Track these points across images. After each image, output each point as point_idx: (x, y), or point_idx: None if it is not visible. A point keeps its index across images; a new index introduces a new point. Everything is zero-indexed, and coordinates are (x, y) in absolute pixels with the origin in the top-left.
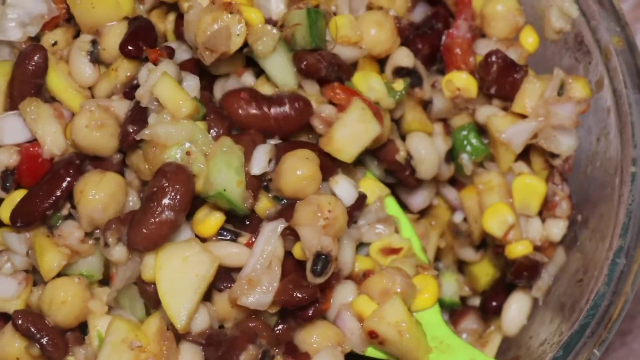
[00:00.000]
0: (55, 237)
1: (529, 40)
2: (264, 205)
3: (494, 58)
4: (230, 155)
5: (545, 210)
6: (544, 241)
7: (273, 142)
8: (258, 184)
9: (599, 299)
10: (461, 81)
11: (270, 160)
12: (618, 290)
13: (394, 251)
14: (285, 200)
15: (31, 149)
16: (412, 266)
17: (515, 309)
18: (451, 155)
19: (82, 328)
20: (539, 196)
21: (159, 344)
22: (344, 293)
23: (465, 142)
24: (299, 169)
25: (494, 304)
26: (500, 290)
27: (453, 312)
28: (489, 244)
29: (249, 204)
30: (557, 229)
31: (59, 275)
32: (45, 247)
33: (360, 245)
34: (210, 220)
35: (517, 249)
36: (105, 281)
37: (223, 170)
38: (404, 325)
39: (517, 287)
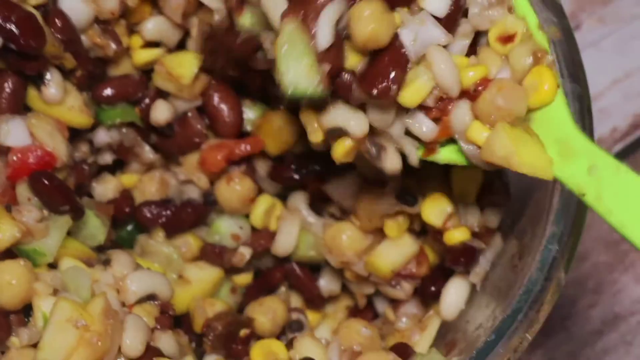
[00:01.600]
0: (13, 211)
1: None
2: (353, 62)
3: None
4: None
5: (483, 197)
6: (481, 227)
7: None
8: (336, 52)
9: (531, 284)
10: None
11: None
12: (550, 276)
13: (510, 39)
14: None
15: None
16: (529, 53)
17: (454, 294)
18: None
19: (25, 312)
20: (476, 184)
21: (104, 323)
22: (460, 119)
23: None
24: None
25: (433, 289)
26: (439, 276)
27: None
28: (428, 230)
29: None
30: (494, 215)
31: (10, 255)
32: (2, 218)
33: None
34: None
35: (455, 236)
36: (52, 265)
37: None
38: (514, 158)
39: (455, 272)
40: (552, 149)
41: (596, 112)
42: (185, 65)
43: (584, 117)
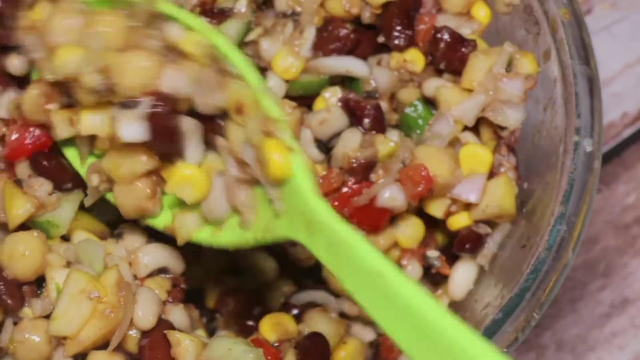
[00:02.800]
0: (24, 186)
1: (481, 13)
2: None
3: (442, 34)
4: None
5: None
6: None
7: None
8: None
9: (539, 264)
10: (408, 54)
11: None
12: (558, 256)
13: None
14: None
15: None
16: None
17: (462, 274)
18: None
19: (38, 283)
20: (485, 166)
21: (117, 295)
22: None
23: (415, 116)
24: None
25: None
26: (447, 256)
27: None
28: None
29: None
30: None
31: (23, 228)
32: (15, 194)
33: None
34: None
35: (459, 221)
36: (65, 237)
37: None
38: None
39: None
40: (300, 221)
41: (607, 97)
42: None
43: (593, 100)
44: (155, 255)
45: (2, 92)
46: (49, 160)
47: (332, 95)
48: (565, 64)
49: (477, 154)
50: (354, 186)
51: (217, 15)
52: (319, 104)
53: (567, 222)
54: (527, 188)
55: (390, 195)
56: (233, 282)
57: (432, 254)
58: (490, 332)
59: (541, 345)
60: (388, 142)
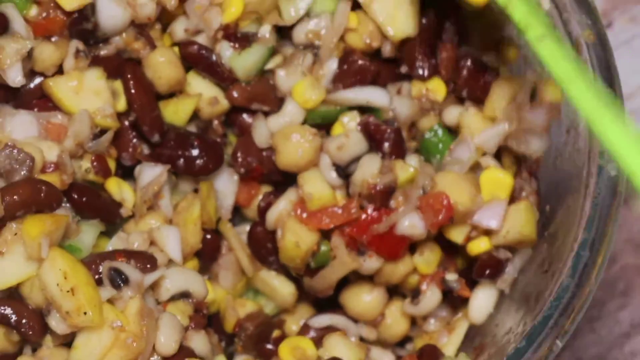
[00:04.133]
0: None
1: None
2: None
3: (464, 62)
4: None
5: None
6: None
7: None
8: None
9: (563, 291)
10: (430, 83)
11: None
12: (582, 283)
13: None
14: None
15: None
16: None
17: (482, 299)
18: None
19: None
20: (505, 191)
21: (139, 324)
22: None
23: (436, 141)
24: None
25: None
26: (467, 278)
27: None
28: None
29: None
30: None
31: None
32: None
33: None
34: None
35: (479, 246)
36: None
37: None
38: None
39: None
40: None
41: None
42: None
43: None
44: (178, 280)
45: None
46: (80, 195)
47: (350, 120)
48: None
49: (498, 178)
50: (373, 213)
51: (240, 39)
52: (337, 128)
53: (591, 248)
54: (548, 211)
55: (410, 224)
56: (252, 306)
57: (451, 276)
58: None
59: None
60: (408, 168)
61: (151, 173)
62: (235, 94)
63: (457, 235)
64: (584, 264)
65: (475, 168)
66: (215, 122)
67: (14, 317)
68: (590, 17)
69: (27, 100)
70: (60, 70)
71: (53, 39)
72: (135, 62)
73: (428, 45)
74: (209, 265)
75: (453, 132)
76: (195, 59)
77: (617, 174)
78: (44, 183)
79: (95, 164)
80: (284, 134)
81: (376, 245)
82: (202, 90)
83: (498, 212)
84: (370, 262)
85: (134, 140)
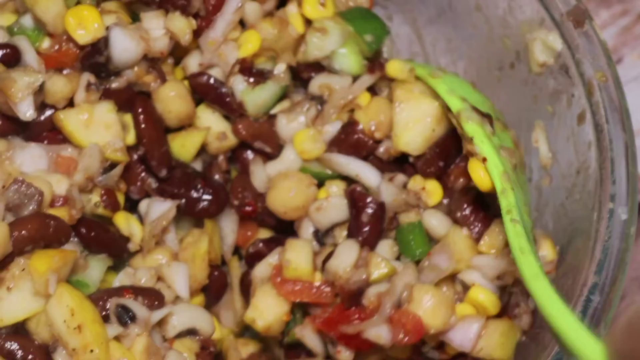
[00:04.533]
0: None
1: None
2: None
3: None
4: None
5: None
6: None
7: None
8: None
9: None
10: (429, 183)
11: None
12: (592, 327)
13: None
14: None
15: None
16: None
17: None
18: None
19: None
20: (487, 311)
21: None
22: None
23: (411, 239)
24: None
25: None
26: None
27: None
28: None
29: None
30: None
31: None
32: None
33: None
34: None
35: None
36: None
37: None
38: None
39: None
40: None
41: (637, 148)
42: None
43: (629, 166)
44: (184, 316)
45: None
46: (89, 230)
47: (337, 189)
48: (600, 128)
49: (482, 301)
50: (342, 313)
51: (255, 75)
52: (321, 193)
53: (601, 292)
54: (558, 252)
55: (377, 334)
56: (254, 346)
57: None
58: None
59: None
60: (382, 268)
61: (160, 208)
62: (241, 128)
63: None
64: (594, 309)
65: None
66: (221, 158)
67: (20, 353)
68: (603, 59)
69: (37, 133)
70: (71, 103)
71: (64, 72)
72: (145, 96)
73: (443, 148)
74: (214, 302)
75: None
76: (205, 90)
77: (627, 217)
78: (53, 218)
79: (104, 198)
80: (283, 175)
81: (345, 340)
82: (212, 124)
83: (471, 334)
84: (342, 355)
85: (143, 174)
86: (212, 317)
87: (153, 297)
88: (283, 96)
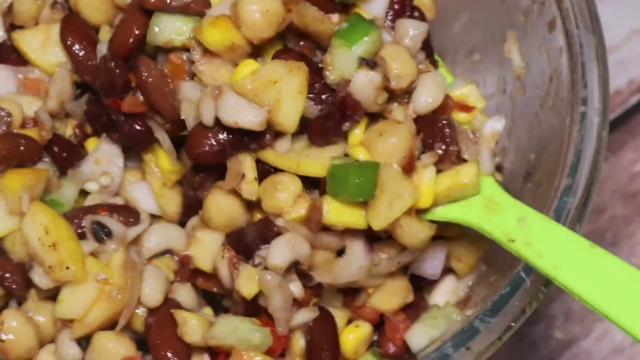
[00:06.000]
0: None
1: None
2: None
3: None
4: None
5: None
6: None
7: None
8: None
9: None
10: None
11: None
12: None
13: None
14: None
15: None
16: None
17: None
18: None
19: None
20: None
21: (124, 276)
22: None
23: None
24: None
25: None
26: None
27: None
28: None
29: None
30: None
31: None
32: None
33: None
34: None
35: None
36: None
37: None
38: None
39: None
40: (479, 203)
41: (614, 64)
42: None
43: (599, 70)
44: (160, 235)
45: None
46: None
47: None
48: (571, 34)
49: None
50: None
51: None
52: None
53: (574, 194)
54: (533, 159)
55: None
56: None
57: None
58: (498, 306)
59: (550, 316)
60: None
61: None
62: None
63: None
64: (567, 210)
65: None
66: None
67: None
68: None
69: (4, 56)
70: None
71: None
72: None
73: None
74: None
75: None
76: None
77: (599, 120)
78: (24, 137)
79: (77, 131)
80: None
81: None
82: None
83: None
84: None
85: None
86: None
87: (128, 214)
88: None
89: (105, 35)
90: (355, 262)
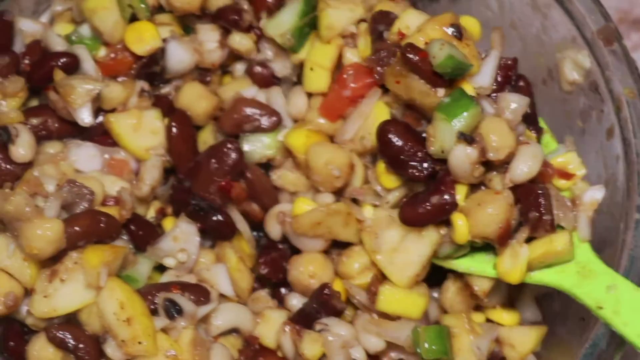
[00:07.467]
0: None
1: None
2: None
3: None
4: None
5: None
6: None
7: None
8: None
9: (598, 339)
10: None
11: None
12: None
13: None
14: None
15: None
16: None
17: None
18: None
19: None
20: None
21: (192, 353)
22: None
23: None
24: None
25: None
26: None
27: None
28: None
29: None
30: None
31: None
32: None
33: None
34: None
35: None
36: None
37: None
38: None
39: None
40: (572, 268)
41: None
42: None
43: None
44: (228, 315)
45: None
46: (137, 226)
47: None
48: (628, 142)
49: None
50: None
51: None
52: None
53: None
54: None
55: None
56: None
57: None
58: None
59: None
60: None
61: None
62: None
63: None
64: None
65: None
66: None
67: (71, 342)
68: (631, 75)
69: (90, 137)
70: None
71: (119, 79)
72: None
73: None
74: None
75: None
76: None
77: None
78: (104, 215)
79: (158, 216)
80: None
81: None
82: None
83: None
84: None
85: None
86: (253, 315)
87: (199, 293)
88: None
89: None
90: None
